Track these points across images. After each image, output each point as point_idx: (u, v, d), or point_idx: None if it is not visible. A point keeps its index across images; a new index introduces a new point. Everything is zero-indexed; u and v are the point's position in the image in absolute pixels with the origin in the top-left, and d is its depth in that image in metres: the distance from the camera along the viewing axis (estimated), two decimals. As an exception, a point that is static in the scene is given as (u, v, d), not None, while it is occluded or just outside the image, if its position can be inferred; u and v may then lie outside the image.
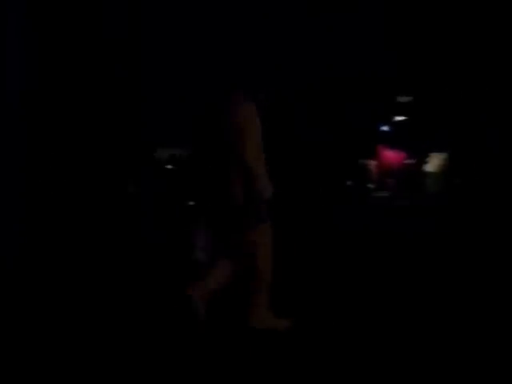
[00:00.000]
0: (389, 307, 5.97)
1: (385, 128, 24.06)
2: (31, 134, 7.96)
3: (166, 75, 10.31)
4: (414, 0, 16.15)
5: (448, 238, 10.15)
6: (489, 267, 7.69)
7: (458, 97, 18.00)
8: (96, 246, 8.68)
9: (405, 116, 23.51)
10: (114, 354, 4.75)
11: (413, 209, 16.76)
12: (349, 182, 19.20)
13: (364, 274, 7.43)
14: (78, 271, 7.61)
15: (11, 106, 7.88)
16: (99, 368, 4.49)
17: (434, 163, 20.30)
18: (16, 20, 7.91)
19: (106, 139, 8.46)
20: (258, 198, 5.22)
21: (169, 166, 9.06)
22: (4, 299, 6.40)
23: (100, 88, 8.39)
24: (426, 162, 20.67)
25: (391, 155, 22.95)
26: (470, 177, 16.39)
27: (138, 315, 5.79)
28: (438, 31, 14.03)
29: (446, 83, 18.12)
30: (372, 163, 22.47)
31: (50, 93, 8.24)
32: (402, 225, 12.63)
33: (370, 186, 21.79)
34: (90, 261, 8.11)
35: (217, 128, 5.21)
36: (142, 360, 4.62)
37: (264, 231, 5.43)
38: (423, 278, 7.22)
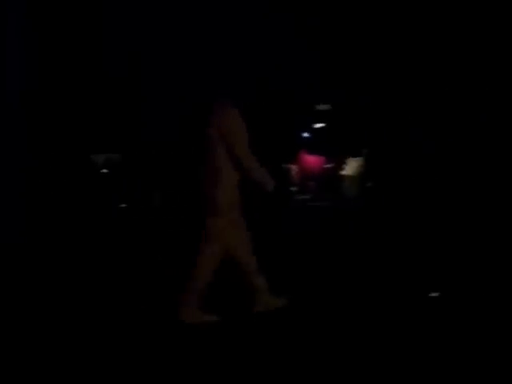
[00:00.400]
0: (311, 304, 6.15)
1: (305, 134, 24.38)
2: (31, 134, 7.72)
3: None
4: (331, 12, 16.48)
5: (362, 235, 10.41)
6: (399, 261, 7.96)
7: (372, 105, 18.41)
8: (92, 243, 8.46)
9: (324, 123, 23.86)
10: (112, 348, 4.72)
11: (332, 210, 17.04)
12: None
13: (288, 272, 7.59)
14: (74, 267, 7.46)
15: (11, 105, 7.62)
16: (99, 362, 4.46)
17: (350, 167, 20.66)
18: (16, 20, 7.61)
19: (105, 138, 8.28)
20: (258, 189, 5.40)
21: (104, 170, 9.16)
22: (4, 298, 6.27)
23: (99, 88, 8.20)
24: (343, 166, 21.00)
25: (312, 160, 23.26)
26: (382, 180, 16.81)
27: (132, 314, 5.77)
28: (353, 48, 14.39)
29: (360, 93, 18.51)
30: (294, 168, 22.73)
31: (50, 93, 8.01)
32: (322, 225, 12.87)
33: (293, 189, 22.04)
34: (86, 258, 7.92)
35: (203, 131, 5.35)
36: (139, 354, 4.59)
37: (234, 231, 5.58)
38: (343, 272, 7.43)
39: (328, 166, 22.91)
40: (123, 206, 9.08)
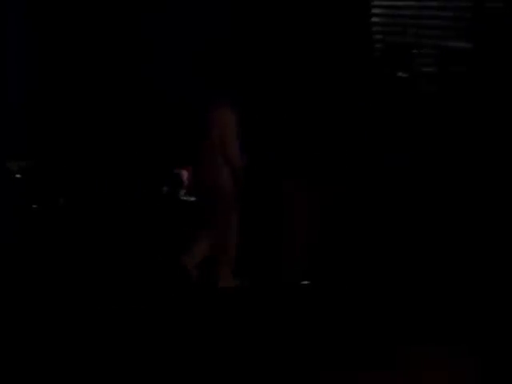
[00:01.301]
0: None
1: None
2: (31, 134, 7.35)
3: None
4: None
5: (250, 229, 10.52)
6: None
7: (256, 122, 18.63)
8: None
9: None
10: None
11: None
12: (165, 188, 19.39)
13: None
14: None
15: (11, 106, 7.23)
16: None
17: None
18: (16, 20, 7.22)
19: (106, 139, 8.00)
20: (239, 183, 5.63)
21: (18, 176, 9.12)
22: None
23: (101, 88, 7.88)
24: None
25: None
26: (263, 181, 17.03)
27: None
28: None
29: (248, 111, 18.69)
30: (184, 172, 22.74)
31: (51, 93, 7.63)
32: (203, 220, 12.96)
33: (182, 191, 22.06)
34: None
35: (203, 130, 5.48)
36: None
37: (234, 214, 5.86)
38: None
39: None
40: (34, 206, 9.12)
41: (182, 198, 20.53)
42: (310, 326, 5.08)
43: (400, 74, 7.95)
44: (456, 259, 6.63)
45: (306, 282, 6.64)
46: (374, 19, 8.52)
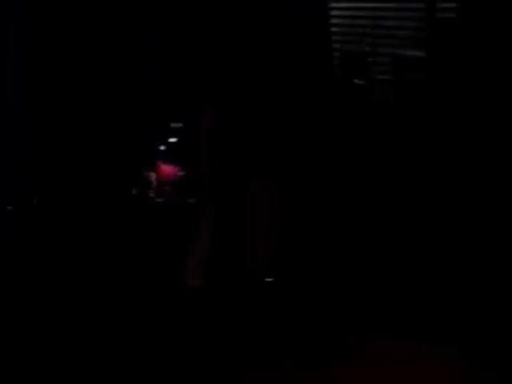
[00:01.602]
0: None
1: (162, 147, 24.53)
2: (31, 135, 7.24)
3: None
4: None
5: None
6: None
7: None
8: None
9: (177, 138, 24.10)
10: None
11: (185, 208, 17.18)
12: (134, 191, 19.45)
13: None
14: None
15: (11, 106, 7.14)
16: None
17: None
18: (16, 20, 7.12)
19: (107, 140, 7.96)
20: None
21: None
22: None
23: (101, 88, 7.83)
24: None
25: (167, 169, 23.40)
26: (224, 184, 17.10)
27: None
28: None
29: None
30: (152, 175, 22.77)
31: (51, 93, 7.54)
32: (170, 220, 13.07)
33: (151, 193, 22.10)
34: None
35: (191, 133, 5.66)
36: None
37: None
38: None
39: (179, 173, 23.09)
40: (9, 207, 9.20)
41: (150, 195, 20.24)
42: (276, 323, 5.12)
43: (356, 81, 8.19)
44: (429, 259, 6.78)
45: (270, 279, 6.72)
46: (333, 29, 8.77)
